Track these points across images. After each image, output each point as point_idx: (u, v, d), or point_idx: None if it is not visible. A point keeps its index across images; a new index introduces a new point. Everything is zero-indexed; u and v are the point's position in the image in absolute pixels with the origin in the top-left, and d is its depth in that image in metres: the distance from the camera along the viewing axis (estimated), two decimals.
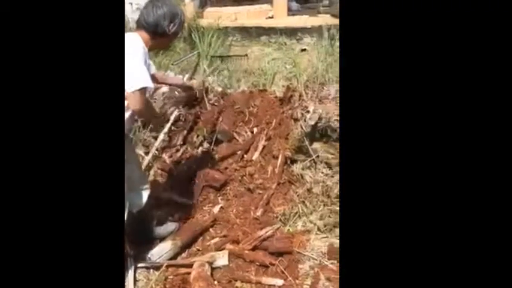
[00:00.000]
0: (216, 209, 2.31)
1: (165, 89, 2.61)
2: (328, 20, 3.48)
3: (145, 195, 1.94)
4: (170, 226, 2.14)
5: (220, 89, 3.20)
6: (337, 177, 2.30)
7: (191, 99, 2.81)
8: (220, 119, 2.82)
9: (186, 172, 2.53)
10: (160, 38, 1.73)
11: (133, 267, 1.90)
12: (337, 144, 2.41)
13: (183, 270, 1.91)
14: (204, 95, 2.98)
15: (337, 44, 2.91)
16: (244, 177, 2.47)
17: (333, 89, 2.58)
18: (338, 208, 2.13)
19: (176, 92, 2.64)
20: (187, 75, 3.29)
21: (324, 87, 2.64)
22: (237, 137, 2.76)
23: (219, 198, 2.41)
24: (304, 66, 3.13)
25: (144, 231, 2.06)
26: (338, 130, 2.37)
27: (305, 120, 2.42)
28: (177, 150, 2.69)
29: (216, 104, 3.02)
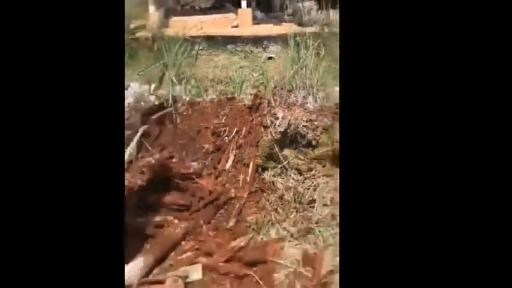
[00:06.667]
0: (186, 222, 2.25)
1: (130, 99, 2.53)
2: (293, 28, 3.53)
3: None
4: None
5: (188, 99, 3.15)
6: (308, 182, 2.30)
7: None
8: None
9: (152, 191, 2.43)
10: None
11: None
12: (307, 150, 2.42)
13: (155, 287, 1.84)
14: (172, 104, 2.93)
15: (304, 51, 2.95)
16: (217, 188, 2.43)
17: (300, 95, 2.60)
18: (310, 214, 2.13)
19: (142, 103, 2.56)
20: (153, 85, 3.22)
21: (292, 94, 2.65)
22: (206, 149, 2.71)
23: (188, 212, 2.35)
24: (272, 74, 3.14)
25: None
26: (307, 136, 2.39)
27: (274, 127, 2.42)
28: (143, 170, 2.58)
29: (184, 113, 2.98)
